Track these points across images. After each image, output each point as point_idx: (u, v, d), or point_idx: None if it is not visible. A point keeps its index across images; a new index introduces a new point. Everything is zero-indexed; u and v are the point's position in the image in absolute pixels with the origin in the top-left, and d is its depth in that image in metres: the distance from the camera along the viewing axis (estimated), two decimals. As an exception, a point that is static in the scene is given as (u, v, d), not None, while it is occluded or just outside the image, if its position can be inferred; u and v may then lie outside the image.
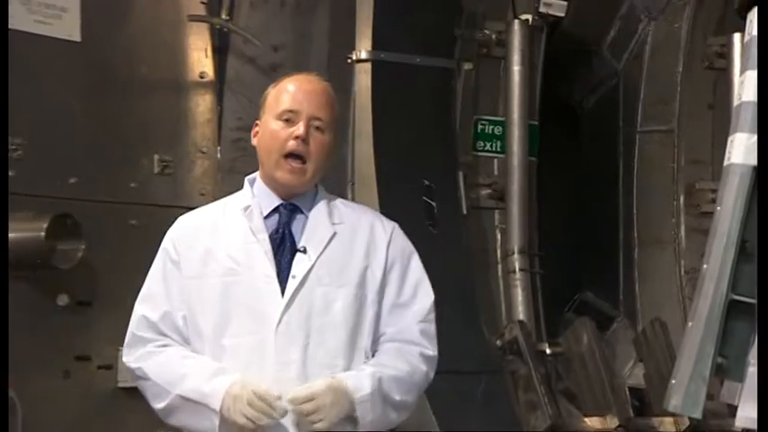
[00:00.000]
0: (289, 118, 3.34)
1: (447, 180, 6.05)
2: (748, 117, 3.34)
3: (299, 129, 3.30)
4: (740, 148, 3.35)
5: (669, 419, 5.80)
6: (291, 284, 3.28)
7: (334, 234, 3.40)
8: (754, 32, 3.33)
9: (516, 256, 6.37)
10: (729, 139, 3.39)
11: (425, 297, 3.56)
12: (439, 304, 5.38)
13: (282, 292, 3.28)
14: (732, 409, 3.26)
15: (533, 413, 5.82)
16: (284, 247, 3.36)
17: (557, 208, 6.57)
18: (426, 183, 5.83)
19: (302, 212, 3.44)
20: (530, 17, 6.40)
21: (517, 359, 5.98)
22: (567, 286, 6.62)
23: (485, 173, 6.57)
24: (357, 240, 3.45)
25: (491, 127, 6.55)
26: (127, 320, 3.43)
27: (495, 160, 6.48)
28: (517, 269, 6.37)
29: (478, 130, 6.56)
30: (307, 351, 3.26)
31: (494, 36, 6.51)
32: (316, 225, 3.41)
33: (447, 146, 6.20)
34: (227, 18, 5.75)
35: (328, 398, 3.17)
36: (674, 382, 3.42)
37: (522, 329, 6.09)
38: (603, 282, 6.87)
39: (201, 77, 5.79)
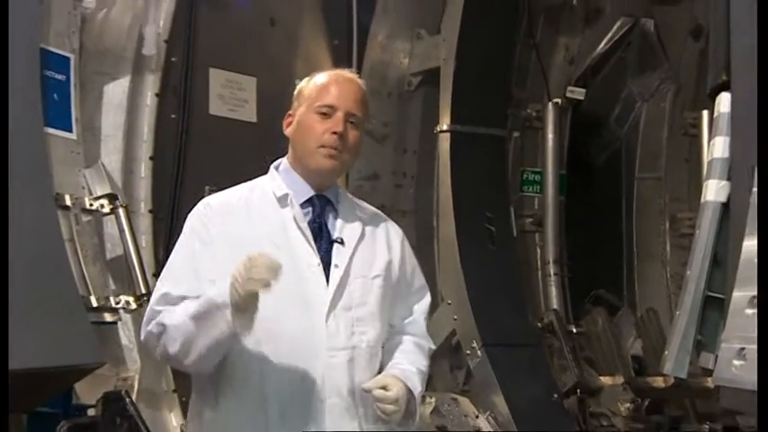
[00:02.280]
0: (326, 112, 2.61)
1: (502, 212, 5.96)
2: (717, 168, 3.32)
3: (339, 125, 2.58)
4: (712, 191, 3.34)
5: (660, 378, 5.68)
6: (335, 273, 2.59)
7: (363, 228, 2.73)
8: (722, 110, 3.29)
9: (551, 264, 6.31)
10: (704, 184, 3.36)
11: (428, 295, 2.94)
12: (496, 298, 5.37)
13: (327, 281, 2.58)
14: (707, 372, 3.21)
15: (564, 374, 5.75)
16: (321, 237, 2.64)
17: (579, 231, 6.49)
18: (488, 214, 5.79)
19: (332, 205, 2.72)
20: (559, 100, 6.31)
21: (552, 336, 5.93)
22: (587, 286, 6.52)
23: (528, 207, 6.48)
24: (379, 235, 2.79)
25: (532, 175, 6.47)
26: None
27: (536, 198, 6.41)
28: (552, 274, 6.31)
29: (523, 178, 6.48)
30: (352, 339, 2.57)
31: (534, 113, 6.43)
32: (347, 218, 2.72)
33: (502, 189, 6.15)
34: None
35: (401, 390, 2.55)
36: (666, 353, 3.40)
37: (556, 316, 6.04)
38: (612, 282, 6.78)
39: None
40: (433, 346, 2.92)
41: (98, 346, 3.58)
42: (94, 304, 3.93)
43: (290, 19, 5.53)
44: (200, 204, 2.70)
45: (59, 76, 4.08)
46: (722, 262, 3.22)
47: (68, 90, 4.15)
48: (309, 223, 2.64)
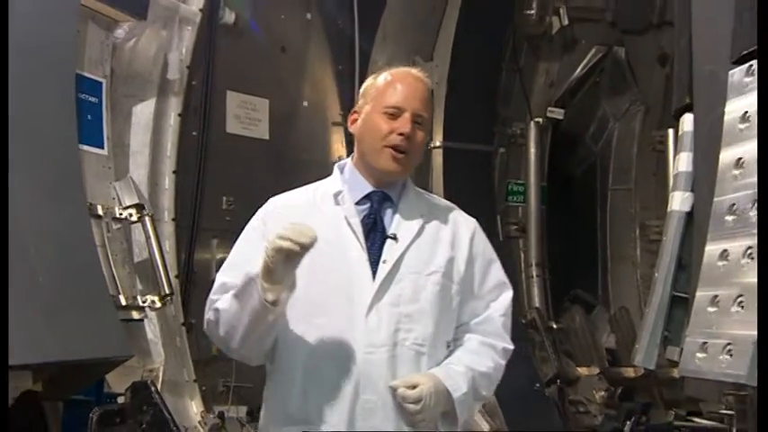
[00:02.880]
0: (393, 113, 2.33)
1: (490, 220, 5.98)
2: (682, 181, 3.34)
3: (406, 126, 2.30)
4: (677, 201, 3.35)
5: (631, 369, 5.68)
6: (383, 269, 2.28)
7: (423, 224, 2.39)
8: (686, 129, 3.31)
9: (533, 267, 6.33)
10: (670, 195, 3.39)
11: (508, 291, 2.49)
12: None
13: (373, 277, 2.28)
14: (673, 363, 3.22)
15: (545, 365, 5.77)
16: (375, 233, 2.34)
17: (558, 237, 6.50)
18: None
19: (392, 201, 2.41)
20: (540, 119, 6.34)
21: (534, 332, 5.94)
22: (566, 286, 6.53)
23: (513, 216, 6.48)
24: (443, 231, 2.42)
25: (517, 187, 6.47)
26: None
27: (520, 208, 6.42)
28: (534, 275, 6.33)
29: (509, 189, 6.48)
30: (396, 336, 2.25)
31: (518, 131, 6.45)
32: (405, 214, 2.39)
33: (490, 199, 6.17)
34: None
35: (429, 390, 2.21)
36: (637, 346, 3.41)
37: (538, 313, 6.07)
38: (588, 283, 6.79)
39: (339, 158, 5.73)
40: (510, 346, 2.46)
41: (126, 341, 3.58)
42: (123, 303, 3.95)
43: (299, 47, 5.53)
44: (267, 203, 2.46)
45: (92, 99, 4.09)
46: (686, 265, 3.23)
47: (101, 111, 4.16)
48: (364, 219, 2.35)
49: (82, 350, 3.18)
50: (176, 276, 4.44)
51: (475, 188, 5.94)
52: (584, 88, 6.53)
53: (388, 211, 2.39)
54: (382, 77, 2.44)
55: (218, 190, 4.90)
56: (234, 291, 2.22)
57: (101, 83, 4.16)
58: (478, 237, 2.49)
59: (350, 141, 5.72)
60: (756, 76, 2.20)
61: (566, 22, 6.17)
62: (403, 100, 2.34)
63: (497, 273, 2.48)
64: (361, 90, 2.49)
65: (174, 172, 4.58)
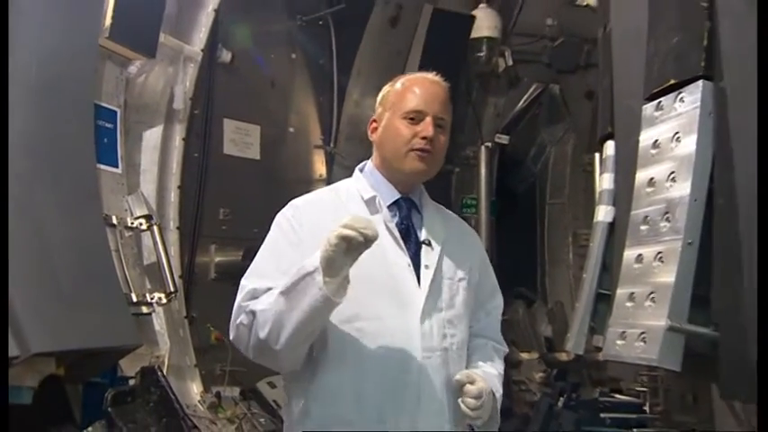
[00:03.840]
0: (414, 117, 2.02)
1: None
2: (605, 197, 3.38)
3: (428, 130, 2.00)
4: (602, 213, 3.39)
5: (564, 354, 5.71)
6: (426, 274, 1.99)
7: (447, 231, 2.11)
8: (608, 153, 3.37)
9: (483, 268, 6.35)
10: (596, 208, 3.43)
11: (500, 296, 2.28)
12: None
13: (418, 282, 1.98)
14: (598, 349, 3.26)
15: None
16: (409, 238, 2.03)
17: (506, 243, 6.52)
18: None
19: (417, 208, 2.11)
20: (490, 144, 6.33)
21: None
22: (511, 284, 6.55)
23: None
24: (461, 239, 2.17)
25: (470, 201, 6.49)
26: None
27: (473, 219, 6.38)
28: (484, 275, 6.35)
29: (463, 203, 6.49)
30: (444, 341, 1.97)
31: (471, 154, 6.46)
32: (433, 221, 2.10)
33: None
34: (333, 146, 5.76)
35: (487, 388, 1.96)
36: (569, 335, 3.44)
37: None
38: (530, 282, 6.82)
39: (320, 177, 5.75)
40: (506, 349, 2.24)
41: (136, 332, 3.55)
42: (134, 299, 3.91)
43: (286, 81, 5.52)
44: (285, 207, 2.10)
45: (108, 125, 4.06)
46: (609, 267, 3.27)
47: (115, 135, 4.12)
48: (396, 225, 2.04)
49: (98, 339, 3.16)
50: (180, 276, 4.40)
51: (435, 202, 5.95)
52: (526, 118, 6.57)
53: (416, 218, 2.09)
54: (399, 84, 2.12)
55: (216, 203, 4.87)
56: (281, 289, 1.85)
57: (116, 111, 4.14)
58: (482, 247, 2.30)
59: (330, 160, 5.76)
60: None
61: (510, 62, 6.21)
62: (423, 104, 2.03)
63: (492, 278, 2.26)
64: (378, 99, 2.16)
65: (178, 187, 4.55)
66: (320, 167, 5.76)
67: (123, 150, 4.18)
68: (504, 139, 6.41)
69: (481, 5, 6.05)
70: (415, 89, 2.07)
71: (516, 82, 6.41)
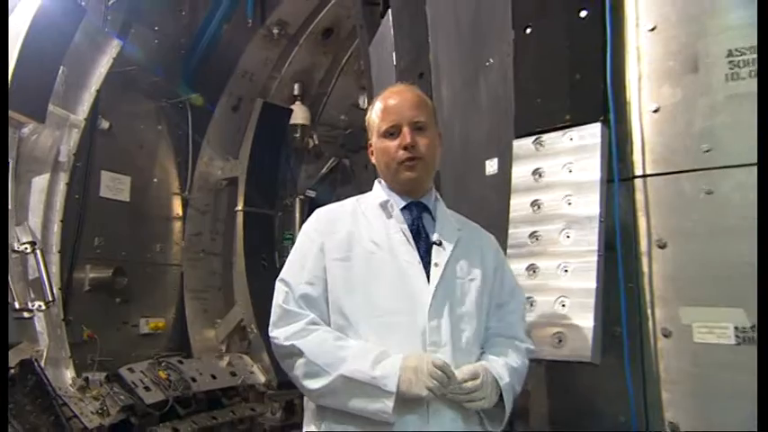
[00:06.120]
0: (393, 132, 1.64)
1: (271, 256, 5.95)
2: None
3: (406, 138, 1.62)
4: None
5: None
6: (435, 272, 1.59)
7: (459, 234, 1.69)
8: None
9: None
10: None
11: (521, 295, 1.76)
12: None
13: (427, 279, 1.58)
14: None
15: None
16: (420, 239, 1.64)
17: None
18: (263, 255, 5.74)
19: (429, 211, 1.70)
20: (302, 196, 6.33)
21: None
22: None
23: (286, 253, 6.23)
24: (475, 242, 1.72)
25: (289, 235, 6.33)
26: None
27: (289, 246, 6.48)
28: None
29: (284, 237, 6.31)
30: (453, 336, 1.55)
31: (289, 203, 6.37)
32: (444, 223, 1.69)
33: (271, 244, 6.11)
34: (188, 193, 5.53)
35: (488, 378, 1.53)
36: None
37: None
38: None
39: (177, 216, 5.46)
40: (532, 347, 1.71)
41: (17, 332, 3.25)
42: (17, 307, 3.58)
43: (153, 145, 5.33)
44: (312, 215, 1.72)
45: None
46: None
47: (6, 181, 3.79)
48: (408, 226, 1.65)
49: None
50: (60, 288, 4.07)
51: (262, 236, 5.94)
52: (327, 180, 6.68)
53: (428, 220, 1.69)
54: (376, 104, 1.72)
55: (92, 232, 4.59)
56: (343, 370, 1.47)
57: (7, 163, 3.80)
58: (499, 249, 1.78)
59: (185, 204, 5.56)
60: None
61: (316, 142, 6.43)
62: (396, 116, 1.65)
63: (511, 279, 1.76)
64: (367, 125, 1.74)
65: (60, 221, 4.22)
66: (178, 208, 5.57)
67: (14, 192, 3.82)
68: (311, 193, 6.50)
69: (297, 102, 6.28)
70: (388, 105, 1.67)
71: (320, 156, 6.57)
